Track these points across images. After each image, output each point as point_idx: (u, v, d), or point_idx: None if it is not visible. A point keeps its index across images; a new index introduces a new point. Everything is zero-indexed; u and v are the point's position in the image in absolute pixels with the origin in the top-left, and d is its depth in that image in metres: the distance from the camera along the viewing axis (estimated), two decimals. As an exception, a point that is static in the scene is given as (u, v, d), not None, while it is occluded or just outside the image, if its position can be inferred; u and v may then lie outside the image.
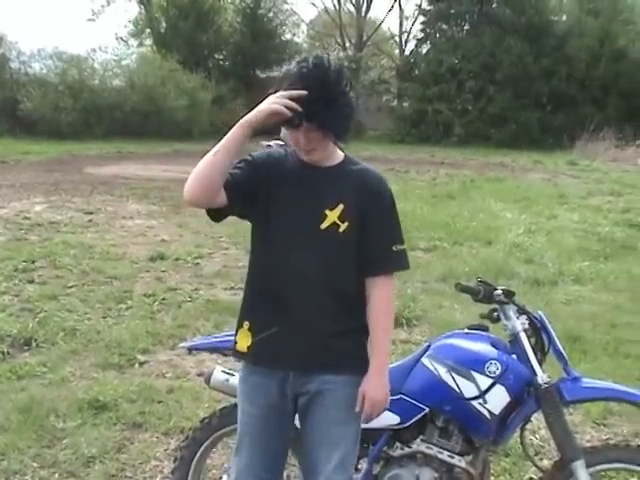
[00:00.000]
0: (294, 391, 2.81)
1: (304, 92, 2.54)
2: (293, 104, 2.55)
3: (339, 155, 2.84)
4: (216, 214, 2.81)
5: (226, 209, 2.76)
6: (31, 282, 8.33)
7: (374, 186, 2.82)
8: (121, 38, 48.83)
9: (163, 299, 7.76)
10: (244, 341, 2.84)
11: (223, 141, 2.65)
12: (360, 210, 2.75)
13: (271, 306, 2.79)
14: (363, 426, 3.18)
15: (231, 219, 2.85)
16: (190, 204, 2.76)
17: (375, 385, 2.80)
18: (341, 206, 2.74)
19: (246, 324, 2.84)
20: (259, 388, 2.83)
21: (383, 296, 2.84)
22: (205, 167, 2.66)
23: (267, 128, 2.66)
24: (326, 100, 2.56)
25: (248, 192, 2.75)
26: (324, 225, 2.73)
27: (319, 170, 2.79)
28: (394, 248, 2.84)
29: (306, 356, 2.76)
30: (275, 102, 2.56)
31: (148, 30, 47.27)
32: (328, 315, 2.77)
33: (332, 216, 2.73)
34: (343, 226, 2.74)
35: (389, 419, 3.26)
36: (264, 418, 2.84)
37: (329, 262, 2.76)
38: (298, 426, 2.94)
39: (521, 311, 3.28)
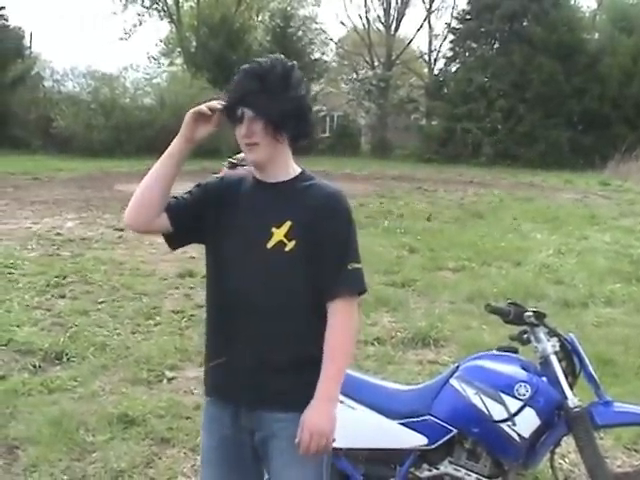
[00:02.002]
0: (249, 425, 2.67)
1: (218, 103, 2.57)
2: (214, 103, 2.56)
3: (294, 171, 2.70)
4: (171, 240, 2.74)
5: (179, 235, 2.71)
6: (62, 297, 8.43)
7: (326, 202, 2.61)
8: (152, 57, 49.47)
9: (191, 315, 7.79)
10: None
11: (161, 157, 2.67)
12: (311, 228, 2.57)
13: (222, 334, 2.68)
14: (390, 446, 3.19)
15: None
16: (129, 227, 2.78)
17: (315, 414, 2.52)
18: (288, 223, 2.58)
19: (206, 354, 2.78)
20: (214, 420, 2.74)
21: (338, 322, 2.56)
22: (141, 185, 2.66)
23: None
24: (268, 90, 2.52)
25: (194, 216, 2.68)
26: (270, 244, 2.58)
27: (268, 186, 2.66)
28: (349, 267, 2.57)
29: (255, 390, 2.60)
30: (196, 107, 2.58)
31: (179, 49, 47.81)
32: (277, 344, 2.58)
33: (278, 234, 2.58)
34: (290, 245, 2.57)
35: (416, 439, 3.25)
36: (221, 450, 2.74)
37: (276, 284, 2.58)
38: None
39: (552, 333, 3.27)
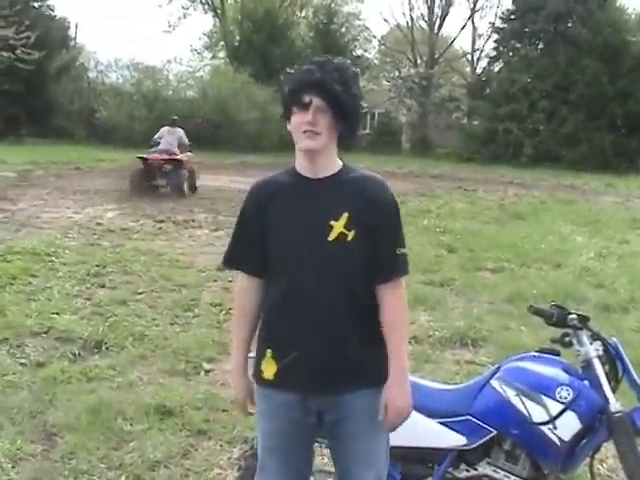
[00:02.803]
0: (318, 407, 2.78)
1: None
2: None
3: (338, 164, 2.82)
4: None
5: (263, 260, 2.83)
6: (102, 287, 8.52)
7: (377, 192, 2.78)
8: (195, 50, 49.85)
9: (229, 309, 7.76)
10: (270, 369, 2.78)
11: None
12: (366, 217, 2.72)
13: (289, 330, 2.75)
14: (428, 445, 3.17)
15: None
16: None
17: (397, 392, 2.74)
18: (346, 215, 2.70)
19: (269, 352, 2.79)
20: (281, 405, 2.80)
21: (394, 303, 2.77)
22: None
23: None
24: (344, 84, 2.66)
25: (259, 248, 2.81)
26: (332, 237, 2.70)
27: (318, 181, 2.77)
28: (397, 251, 2.77)
29: (328, 377, 2.73)
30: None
31: (222, 43, 48.08)
32: (345, 329, 2.73)
33: (338, 226, 2.70)
34: (350, 234, 2.70)
35: (455, 439, 3.24)
36: (288, 434, 2.81)
37: (342, 274, 2.72)
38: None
39: (595, 337, 3.23)
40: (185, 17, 58.52)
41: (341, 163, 2.83)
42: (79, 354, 6.19)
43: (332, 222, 2.70)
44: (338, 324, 2.72)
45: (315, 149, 2.71)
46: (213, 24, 50.56)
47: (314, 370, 2.72)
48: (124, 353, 6.29)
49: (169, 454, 4.52)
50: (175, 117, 19.53)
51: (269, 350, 2.79)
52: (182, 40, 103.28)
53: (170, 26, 52.19)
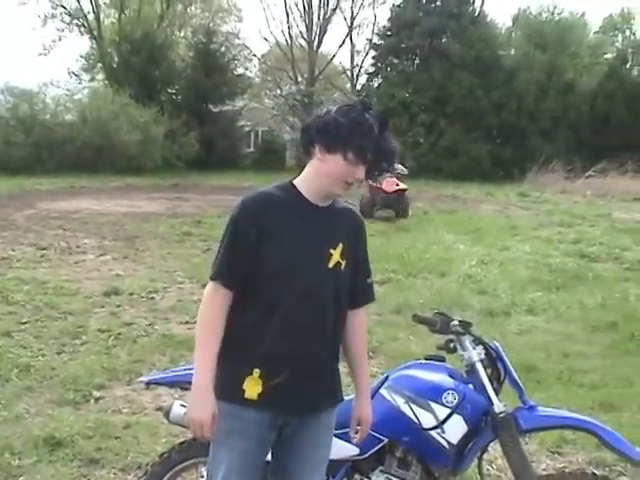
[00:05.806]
0: (283, 422, 2.84)
1: None
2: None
3: None
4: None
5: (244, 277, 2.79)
6: (-17, 318, 8.20)
7: (358, 224, 2.98)
8: (73, 73, 48.68)
9: (118, 334, 7.69)
10: (254, 389, 2.74)
11: None
12: (352, 248, 2.88)
13: (284, 350, 2.74)
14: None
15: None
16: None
17: (368, 407, 3.03)
18: (341, 245, 2.83)
19: (256, 371, 2.74)
20: (253, 424, 2.78)
21: (364, 326, 3.04)
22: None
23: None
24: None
25: (250, 261, 2.75)
26: (331, 264, 2.81)
27: (319, 209, 2.84)
28: (368, 280, 3.00)
29: (311, 398, 2.84)
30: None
31: (100, 65, 47.17)
32: (331, 352, 2.89)
33: (336, 255, 2.82)
34: (343, 264, 2.83)
35: (348, 450, 3.28)
36: (255, 452, 2.83)
37: (335, 300, 2.83)
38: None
39: (477, 342, 3.34)
40: (60, 39, 57.28)
41: None
42: (-39, 389, 5.97)
43: (331, 250, 2.81)
44: (326, 347, 2.85)
45: (335, 196, 2.87)
46: (90, 46, 49.65)
47: (301, 392, 2.78)
48: (9, 385, 6.09)
49: (61, 486, 4.41)
50: None
51: (256, 370, 2.74)
52: (58, 63, 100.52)
53: (45, 49, 51.05)
